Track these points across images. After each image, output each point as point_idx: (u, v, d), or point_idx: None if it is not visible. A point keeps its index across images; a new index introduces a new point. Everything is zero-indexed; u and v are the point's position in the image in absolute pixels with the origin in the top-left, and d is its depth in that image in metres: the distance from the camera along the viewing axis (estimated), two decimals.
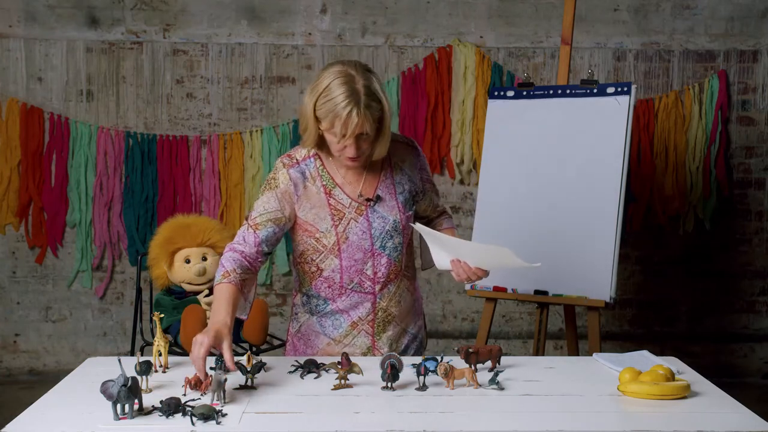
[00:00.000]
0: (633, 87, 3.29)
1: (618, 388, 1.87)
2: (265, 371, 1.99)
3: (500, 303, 3.87)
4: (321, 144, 2.13)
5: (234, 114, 4.55)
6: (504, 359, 2.11)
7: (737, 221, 4.63)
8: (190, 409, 1.67)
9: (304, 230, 2.19)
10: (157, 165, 4.50)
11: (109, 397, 1.64)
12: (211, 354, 1.89)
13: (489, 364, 2.05)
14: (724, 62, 4.54)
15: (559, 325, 4.50)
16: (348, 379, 1.91)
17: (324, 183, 2.17)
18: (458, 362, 2.00)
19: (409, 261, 2.31)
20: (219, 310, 1.99)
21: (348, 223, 2.16)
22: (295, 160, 2.18)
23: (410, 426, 1.64)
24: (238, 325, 3.20)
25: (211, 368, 1.93)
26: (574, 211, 3.30)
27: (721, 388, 1.93)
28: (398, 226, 2.21)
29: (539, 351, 3.46)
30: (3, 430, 1.60)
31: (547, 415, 1.72)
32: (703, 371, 2.13)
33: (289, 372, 2.02)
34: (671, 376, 1.89)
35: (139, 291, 3.69)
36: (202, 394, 1.81)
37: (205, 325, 3.03)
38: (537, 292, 3.34)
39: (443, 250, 2.17)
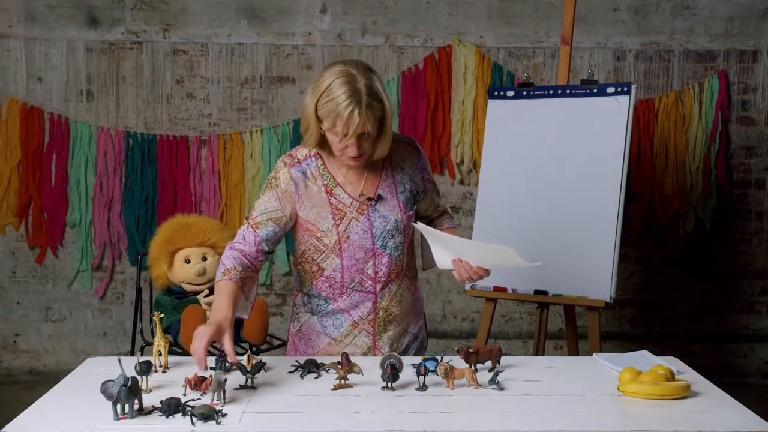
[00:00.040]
0: (633, 87, 3.29)
1: (618, 388, 1.87)
2: (265, 371, 1.99)
3: (500, 303, 3.87)
4: (322, 143, 2.13)
5: (234, 114, 4.55)
6: (504, 359, 2.11)
7: (737, 221, 4.63)
8: (190, 409, 1.67)
9: (305, 230, 2.19)
10: (157, 165, 4.50)
11: (109, 397, 1.64)
12: (210, 354, 1.89)
13: (489, 364, 2.05)
14: (724, 62, 4.54)
15: (559, 325, 4.50)
16: (348, 379, 1.91)
17: (325, 182, 2.17)
18: (458, 362, 2.00)
19: (410, 261, 2.31)
20: (220, 306, 1.99)
21: (349, 223, 2.16)
22: (296, 160, 2.19)
23: (410, 426, 1.64)
24: (238, 325, 3.20)
25: (211, 368, 1.93)
26: (574, 211, 3.30)
27: (721, 388, 1.93)
28: (399, 225, 2.21)
29: (539, 351, 3.46)
30: (3, 430, 1.60)
31: (547, 415, 1.72)
32: (703, 371, 2.13)
33: (289, 372, 2.02)
34: (671, 376, 1.89)
35: (139, 291, 3.69)
36: (202, 394, 1.81)
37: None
38: (537, 292, 3.34)
39: (444, 249, 2.17)
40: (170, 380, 1.94)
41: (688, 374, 2.03)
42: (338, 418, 1.69)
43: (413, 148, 2.30)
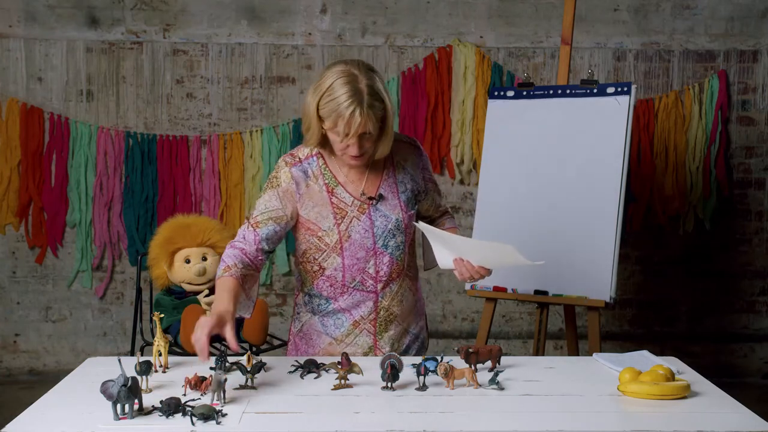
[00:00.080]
0: (633, 87, 3.29)
1: (618, 388, 1.87)
2: (265, 371, 1.99)
3: (500, 303, 3.87)
4: (324, 143, 2.14)
5: (234, 114, 4.55)
6: (504, 359, 2.11)
7: (737, 221, 4.64)
8: (190, 409, 1.67)
9: (306, 229, 2.19)
10: (157, 165, 4.50)
11: (109, 397, 1.64)
12: (210, 354, 1.89)
13: (489, 364, 2.04)
14: (724, 62, 4.54)
15: (559, 325, 4.50)
16: (348, 379, 1.91)
17: (326, 181, 2.17)
18: (458, 362, 2.00)
19: (412, 261, 2.31)
20: (221, 300, 2.00)
21: (350, 222, 2.17)
22: (297, 159, 2.19)
23: (410, 426, 1.64)
24: (238, 325, 3.20)
25: (211, 368, 1.93)
26: (574, 211, 3.30)
27: (721, 388, 1.93)
28: (400, 224, 2.21)
29: (539, 351, 3.46)
30: (3, 430, 1.60)
31: (547, 415, 1.72)
32: (703, 371, 2.13)
33: (289, 372, 2.02)
34: (671, 376, 1.89)
35: (139, 291, 3.69)
36: (202, 394, 1.81)
37: None
38: (537, 292, 3.34)
39: (446, 248, 2.17)
40: (170, 380, 1.94)
41: (688, 374, 2.03)
42: (338, 418, 1.69)
43: (415, 148, 2.30)
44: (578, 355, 3.45)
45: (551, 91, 3.45)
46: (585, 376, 2.02)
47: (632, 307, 4.69)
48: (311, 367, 2.01)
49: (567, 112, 3.39)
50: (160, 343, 2.04)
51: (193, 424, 1.64)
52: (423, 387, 1.89)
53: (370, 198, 2.19)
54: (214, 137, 4.52)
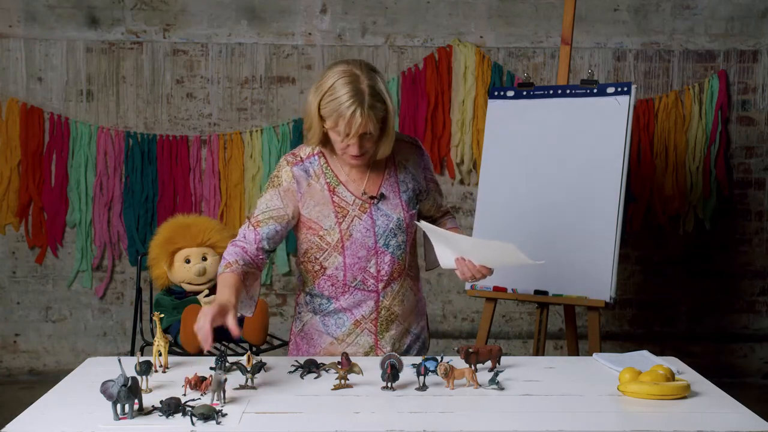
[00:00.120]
0: (633, 87, 3.29)
1: (618, 388, 1.87)
2: (265, 371, 2.00)
3: (500, 303, 3.87)
4: (325, 141, 2.14)
5: (234, 114, 4.55)
6: (504, 359, 2.11)
7: (737, 221, 4.63)
8: (190, 409, 1.67)
9: (308, 228, 2.19)
10: (157, 165, 4.50)
11: (109, 397, 1.65)
12: (210, 354, 1.89)
13: (489, 364, 2.05)
14: (724, 62, 4.54)
15: (559, 325, 4.50)
16: (348, 379, 1.91)
17: (328, 180, 2.18)
18: (458, 362, 2.00)
19: (413, 261, 2.31)
20: (222, 293, 2.00)
21: (352, 221, 2.17)
22: (299, 158, 2.20)
23: (410, 426, 1.64)
24: (238, 324, 3.20)
25: (211, 368, 1.93)
26: (574, 211, 3.30)
27: (721, 388, 1.93)
28: (402, 224, 2.21)
29: (539, 351, 3.46)
30: (3, 430, 1.60)
31: (547, 415, 1.72)
32: (703, 371, 2.13)
33: (289, 372, 2.02)
34: (671, 376, 1.89)
35: (139, 291, 3.69)
36: (202, 394, 1.81)
37: None
38: (537, 292, 3.34)
39: (448, 247, 2.17)
40: (170, 380, 1.94)
41: (688, 374, 2.03)
42: (338, 418, 1.69)
43: (416, 148, 2.31)
44: (578, 355, 3.45)
45: (551, 91, 3.45)
46: (585, 376, 2.02)
47: (632, 307, 4.69)
48: (311, 367, 2.01)
49: (567, 112, 3.39)
50: (160, 343, 2.04)
51: (193, 424, 1.64)
52: (423, 387, 1.89)
53: (372, 197, 2.19)
54: (214, 137, 4.52)
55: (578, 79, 4.17)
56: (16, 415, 1.69)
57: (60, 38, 4.46)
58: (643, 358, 2.14)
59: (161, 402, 1.70)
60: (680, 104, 4.52)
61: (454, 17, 4.52)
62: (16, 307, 4.60)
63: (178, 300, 3.38)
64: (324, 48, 4.51)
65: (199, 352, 3.06)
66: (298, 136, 4.50)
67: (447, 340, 4.64)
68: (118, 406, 1.65)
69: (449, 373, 1.88)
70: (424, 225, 2.12)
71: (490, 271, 2.16)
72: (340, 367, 1.90)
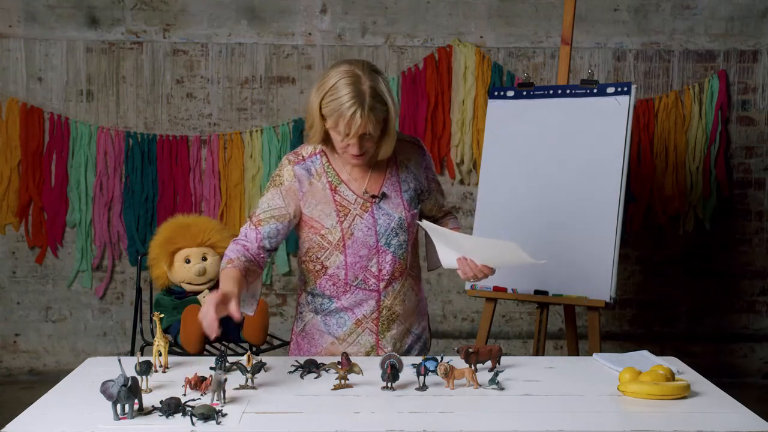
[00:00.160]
0: (633, 87, 3.29)
1: (618, 388, 1.87)
2: (265, 371, 1.99)
3: (500, 303, 3.87)
4: (327, 139, 2.15)
5: (234, 114, 4.55)
6: (504, 359, 2.11)
7: (737, 221, 4.63)
8: (190, 409, 1.67)
9: (309, 227, 2.20)
10: (157, 165, 4.50)
11: (109, 397, 1.65)
12: (210, 354, 1.89)
13: (489, 364, 2.05)
14: (724, 62, 4.54)
15: (559, 325, 4.50)
16: (348, 379, 1.91)
17: (330, 179, 2.18)
18: (458, 362, 2.00)
19: (414, 261, 2.32)
20: (225, 283, 2.00)
21: (353, 220, 2.17)
22: (300, 157, 2.20)
23: (410, 426, 1.64)
24: (238, 325, 3.20)
25: (211, 368, 1.93)
26: (574, 211, 3.29)
27: (721, 388, 1.93)
28: (403, 223, 2.21)
29: (539, 351, 3.46)
30: (3, 430, 1.60)
31: (547, 415, 1.72)
32: (703, 371, 2.13)
33: (289, 372, 2.02)
34: (671, 376, 1.89)
35: (139, 291, 3.69)
36: (202, 394, 1.81)
37: None
38: (537, 292, 3.34)
39: (449, 247, 2.17)
40: (170, 380, 1.94)
41: (688, 374, 2.03)
42: (338, 418, 1.69)
43: (418, 148, 2.31)
44: (578, 355, 3.45)
45: (551, 91, 3.45)
46: (585, 376, 2.02)
47: (632, 307, 4.69)
48: (311, 367, 2.02)
49: (567, 112, 3.39)
50: (160, 343, 2.04)
51: (193, 424, 1.64)
52: (423, 387, 1.89)
53: (373, 196, 2.19)
54: (214, 137, 4.52)
55: (578, 79, 4.16)
56: (16, 415, 1.69)
57: (60, 38, 4.46)
58: (643, 358, 2.14)
59: (161, 402, 1.70)
60: (680, 104, 4.52)
61: (454, 17, 4.52)
62: (16, 307, 4.60)
63: (178, 300, 3.38)
64: (324, 48, 4.51)
65: (199, 352, 3.06)
66: (298, 136, 4.50)
67: (447, 340, 4.64)
68: (118, 406, 1.65)
69: (449, 373, 1.88)
70: (426, 224, 2.12)
71: (492, 271, 2.16)
72: (340, 367, 1.90)
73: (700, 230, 4.61)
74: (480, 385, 1.90)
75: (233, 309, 1.89)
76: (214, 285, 3.31)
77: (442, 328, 4.67)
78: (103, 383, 1.67)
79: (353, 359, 1.95)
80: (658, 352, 2.71)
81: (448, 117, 4.53)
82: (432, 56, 4.51)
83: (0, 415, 2.74)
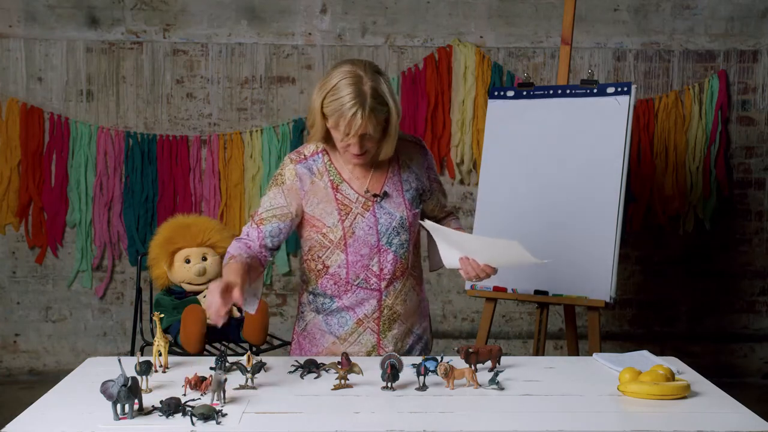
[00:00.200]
0: (633, 87, 3.29)
1: (618, 388, 1.87)
2: (265, 371, 1.99)
3: (500, 303, 3.87)
4: (328, 138, 2.16)
5: (234, 114, 4.55)
6: (504, 359, 2.11)
7: (737, 221, 4.63)
8: (190, 409, 1.67)
9: (311, 225, 2.20)
10: (157, 165, 4.50)
11: (109, 397, 1.64)
12: (210, 354, 1.89)
13: (489, 364, 2.05)
14: (724, 62, 4.54)
15: (559, 325, 4.50)
16: (348, 379, 1.91)
17: (331, 178, 2.19)
18: (458, 362, 2.00)
19: (416, 261, 2.32)
20: (228, 275, 2.01)
21: (354, 218, 2.18)
22: (302, 156, 2.21)
23: (410, 426, 1.64)
24: (238, 325, 3.20)
25: (211, 368, 1.93)
26: (574, 211, 3.29)
27: (721, 388, 1.93)
28: (405, 222, 2.22)
29: (539, 351, 3.46)
30: (3, 430, 1.60)
31: (547, 415, 1.72)
32: (703, 371, 2.13)
33: (289, 372, 2.02)
34: (671, 376, 1.89)
35: (139, 291, 3.69)
36: (202, 394, 1.81)
37: (206, 325, 3.03)
38: (537, 292, 3.34)
39: (452, 247, 2.17)
40: (170, 380, 1.94)
41: (688, 374, 2.03)
42: (338, 418, 1.69)
43: (420, 147, 2.32)
44: (578, 355, 3.45)
45: (551, 91, 3.45)
46: (585, 376, 2.02)
47: (632, 307, 4.69)
48: (311, 367, 2.02)
49: (567, 112, 3.39)
50: (160, 343, 2.04)
51: (193, 424, 1.64)
52: (423, 387, 1.89)
53: (375, 195, 2.19)
54: (214, 137, 4.52)
55: (578, 79, 4.16)
56: (16, 415, 1.69)
57: (60, 38, 4.46)
58: (643, 358, 2.14)
59: (161, 402, 1.70)
60: (680, 104, 4.52)
61: (454, 17, 4.52)
62: (16, 307, 4.60)
63: (178, 300, 3.38)
64: (324, 48, 4.51)
65: (199, 352, 3.06)
66: (298, 136, 4.51)
67: (447, 340, 4.64)
68: (118, 406, 1.65)
69: (449, 373, 1.88)
70: (428, 224, 2.13)
71: (495, 271, 2.17)
72: (340, 367, 1.91)
73: (700, 230, 4.61)
74: (480, 385, 1.90)
75: (237, 296, 1.90)
76: None
77: (442, 328, 4.67)
78: (103, 383, 1.67)
79: (353, 359, 1.95)
80: (658, 352, 2.71)
81: (448, 117, 4.53)
82: (432, 56, 4.51)
83: (0, 415, 2.74)
